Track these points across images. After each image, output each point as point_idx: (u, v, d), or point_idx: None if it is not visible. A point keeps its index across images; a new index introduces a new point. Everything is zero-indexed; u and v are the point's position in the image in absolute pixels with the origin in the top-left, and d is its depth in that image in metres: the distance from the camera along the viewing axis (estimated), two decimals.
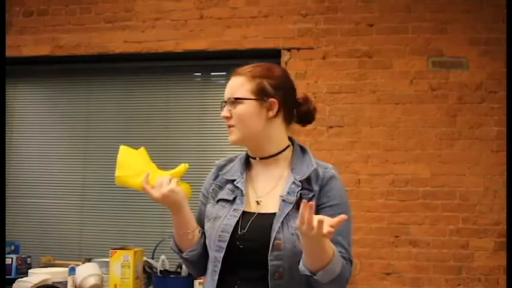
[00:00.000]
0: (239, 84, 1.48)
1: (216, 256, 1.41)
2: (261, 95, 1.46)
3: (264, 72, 1.49)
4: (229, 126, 1.49)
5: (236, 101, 1.47)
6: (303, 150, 1.53)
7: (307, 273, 1.29)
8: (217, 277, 1.40)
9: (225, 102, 1.50)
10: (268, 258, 1.34)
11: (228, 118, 1.48)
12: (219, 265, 1.40)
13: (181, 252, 1.50)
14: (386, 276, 3.01)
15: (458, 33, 3.13)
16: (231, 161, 1.58)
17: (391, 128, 3.11)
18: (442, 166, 3.05)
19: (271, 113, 1.47)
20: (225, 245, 1.39)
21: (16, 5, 3.58)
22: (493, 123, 3.04)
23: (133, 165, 1.52)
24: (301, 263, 1.31)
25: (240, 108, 1.46)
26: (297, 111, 1.53)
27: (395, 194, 3.06)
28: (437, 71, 3.12)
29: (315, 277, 1.28)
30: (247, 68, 1.50)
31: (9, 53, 3.36)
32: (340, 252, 1.34)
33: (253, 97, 1.46)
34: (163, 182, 1.43)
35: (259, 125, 1.47)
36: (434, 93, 3.11)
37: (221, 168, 1.57)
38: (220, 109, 1.54)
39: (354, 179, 3.09)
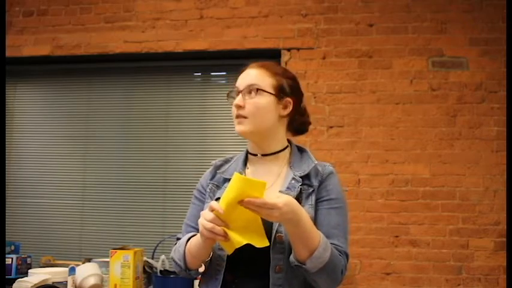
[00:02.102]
0: (260, 76, 1.46)
1: (220, 254, 1.41)
2: (279, 92, 1.48)
3: (283, 70, 1.52)
4: (239, 116, 1.45)
5: (256, 91, 1.44)
6: (300, 149, 1.56)
7: (296, 263, 1.31)
8: (221, 276, 1.40)
9: (239, 91, 1.45)
10: (271, 251, 1.35)
11: (240, 107, 1.44)
12: (224, 263, 1.40)
13: (189, 270, 1.45)
14: (386, 276, 3.01)
15: (458, 33, 3.13)
16: (227, 161, 1.58)
17: (391, 128, 3.11)
18: (442, 166, 3.05)
19: (284, 112, 1.50)
20: None
21: (16, 5, 3.58)
22: (493, 123, 3.04)
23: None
24: (291, 255, 1.33)
25: (259, 99, 1.44)
26: (298, 117, 1.55)
27: (395, 194, 3.06)
28: (437, 71, 3.12)
29: (304, 266, 1.30)
30: (264, 64, 1.49)
31: (9, 53, 3.37)
32: (335, 245, 1.36)
33: (273, 92, 1.46)
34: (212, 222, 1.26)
35: (270, 121, 1.47)
36: (434, 93, 3.11)
37: (218, 167, 1.56)
38: (228, 100, 1.50)
39: (354, 179, 3.09)
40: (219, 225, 1.24)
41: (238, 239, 1.25)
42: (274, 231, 1.36)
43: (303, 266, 1.30)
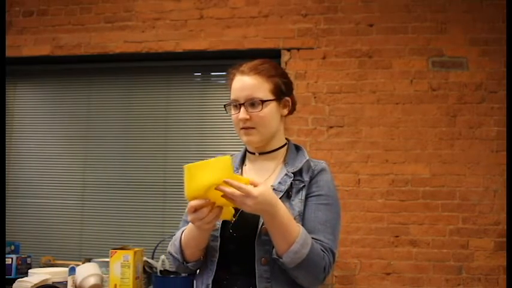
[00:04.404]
0: (257, 84, 1.44)
1: (212, 245, 1.43)
2: (278, 94, 1.48)
3: (275, 70, 1.50)
4: (247, 128, 1.44)
5: (258, 102, 1.42)
6: (297, 148, 1.57)
7: (275, 256, 1.33)
8: (215, 266, 1.41)
9: (241, 103, 1.44)
10: (255, 243, 1.36)
11: (247, 120, 1.43)
12: (217, 254, 1.42)
13: (187, 263, 1.45)
14: (386, 276, 3.01)
15: (458, 33, 3.13)
16: None
17: (391, 128, 3.11)
18: (442, 166, 3.05)
19: (284, 111, 1.51)
20: (218, 234, 1.41)
21: (16, 5, 3.58)
22: (493, 123, 3.04)
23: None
24: (274, 249, 1.34)
25: (263, 110, 1.43)
26: (293, 109, 1.57)
27: (395, 194, 3.06)
28: (437, 71, 3.12)
29: (281, 260, 1.31)
30: (256, 66, 1.46)
31: (9, 53, 3.36)
32: (320, 241, 1.36)
33: (273, 97, 1.46)
34: (204, 212, 1.28)
35: (276, 125, 1.49)
36: (434, 93, 3.11)
37: None
38: (225, 109, 1.50)
39: (354, 179, 3.09)
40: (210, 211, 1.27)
41: (230, 203, 1.28)
42: (260, 224, 1.37)
43: (280, 259, 1.31)
